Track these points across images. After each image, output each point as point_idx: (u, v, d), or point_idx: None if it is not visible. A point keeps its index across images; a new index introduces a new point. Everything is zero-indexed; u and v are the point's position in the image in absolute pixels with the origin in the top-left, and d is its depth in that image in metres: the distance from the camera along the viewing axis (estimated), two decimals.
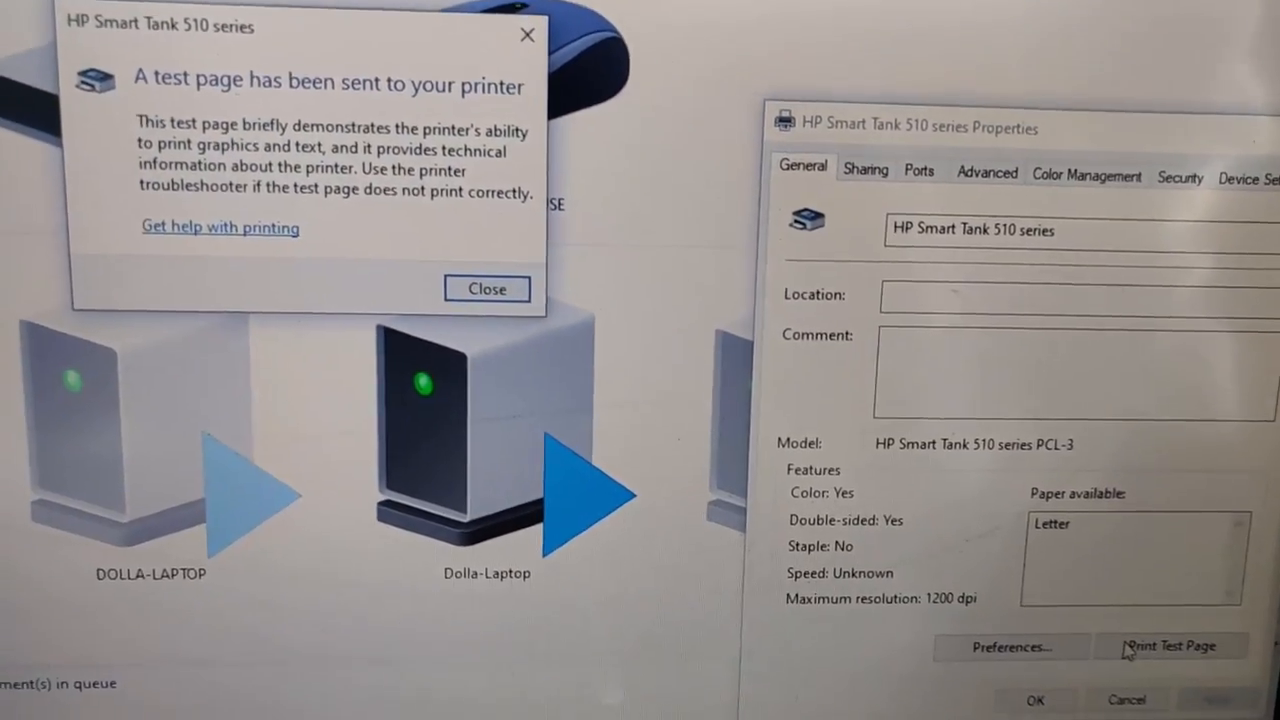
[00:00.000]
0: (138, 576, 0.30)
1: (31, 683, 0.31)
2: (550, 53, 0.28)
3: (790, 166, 0.29)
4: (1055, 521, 0.32)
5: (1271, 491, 0.33)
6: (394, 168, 0.28)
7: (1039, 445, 0.32)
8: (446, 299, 0.29)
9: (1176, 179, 0.30)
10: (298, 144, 0.28)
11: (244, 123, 0.28)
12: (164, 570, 0.30)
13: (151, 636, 0.31)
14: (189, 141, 0.28)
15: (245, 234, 0.28)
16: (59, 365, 0.29)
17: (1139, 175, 0.30)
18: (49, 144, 0.28)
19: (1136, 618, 0.33)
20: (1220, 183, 0.30)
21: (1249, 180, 0.30)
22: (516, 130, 0.28)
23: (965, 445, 0.31)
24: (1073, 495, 0.32)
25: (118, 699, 0.31)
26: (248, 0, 0.27)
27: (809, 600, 0.32)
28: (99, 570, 0.30)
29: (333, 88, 0.28)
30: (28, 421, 0.29)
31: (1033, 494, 0.32)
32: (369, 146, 0.28)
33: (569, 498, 0.31)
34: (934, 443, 0.31)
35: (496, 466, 0.30)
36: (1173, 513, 0.32)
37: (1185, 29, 0.29)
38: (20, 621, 0.30)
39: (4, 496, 0.29)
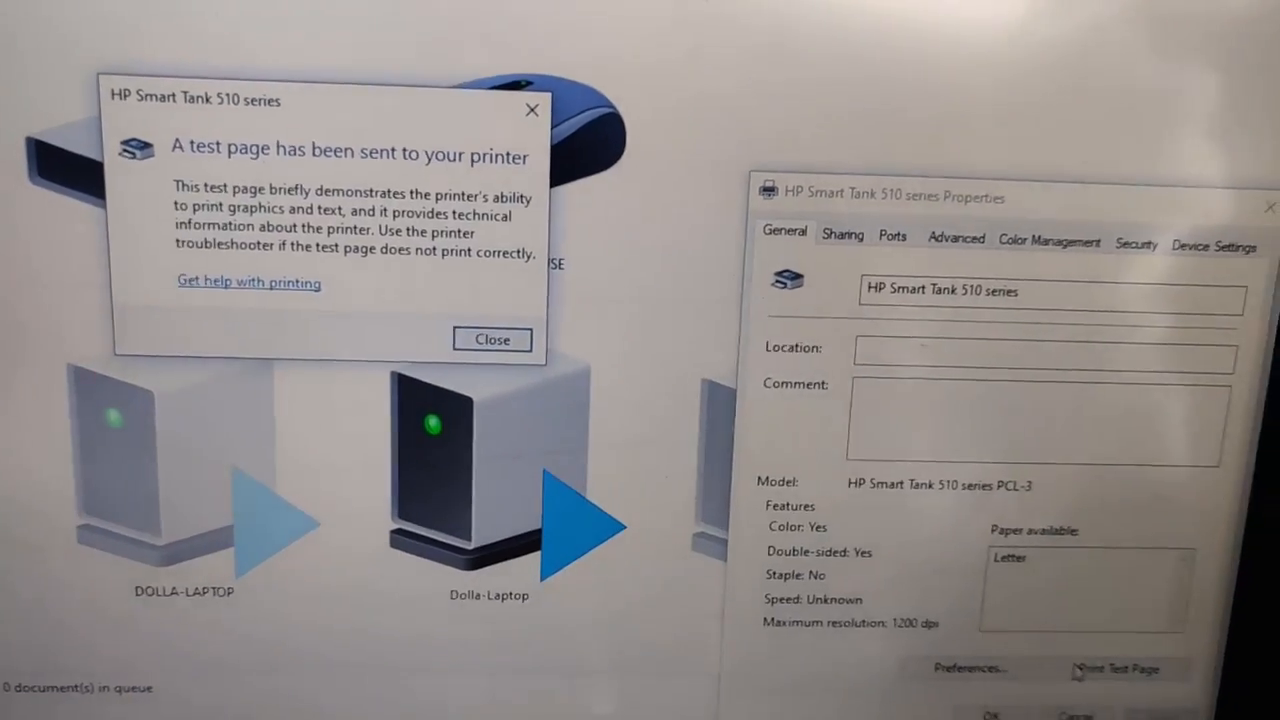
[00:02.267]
0: (172, 594, 0.33)
1: (75, 686, 0.34)
2: (553, 126, 0.30)
3: (773, 231, 0.32)
4: (1013, 555, 0.35)
5: (1214, 530, 0.35)
6: (408, 229, 0.31)
7: (999, 486, 0.34)
8: (455, 348, 0.32)
9: (1133, 245, 0.33)
10: (320, 207, 0.31)
11: (271, 188, 0.30)
12: (196, 588, 0.33)
13: (183, 647, 0.34)
14: (221, 204, 0.30)
15: (271, 288, 0.31)
16: (102, 404, 0.32)
17: (1098, 241, 0.32)
18: (94, 206, 0.30)
19: (1086, 642, 0.36)
20: (1173, 249, 0.33)
21: (1200, 247, 0.33)
22: (521, 197, 0.31)
23: (931, 485, 0.34)
24: (1030, 532, 0.35)
25: (152, 702, 0.34)
26: (276, 77, 0.30)
27: (784, 624, 0.35)
28: (137, 587, 0.33)
29: (353, 156, 0.30)
30: (74, 454, 0.32)
31: (993, 530, 0.35)
32: (385, 210, 0.31)
33: (565, 528, 0.34)
34: (902, 483, 0.34)
35: (499, 499, 0.33)
36: (1122, 549, 0.35)
37: (1143, 107, 0.32)
38: (67, 632, 0.33)
39: (52, 520, 0.32)
